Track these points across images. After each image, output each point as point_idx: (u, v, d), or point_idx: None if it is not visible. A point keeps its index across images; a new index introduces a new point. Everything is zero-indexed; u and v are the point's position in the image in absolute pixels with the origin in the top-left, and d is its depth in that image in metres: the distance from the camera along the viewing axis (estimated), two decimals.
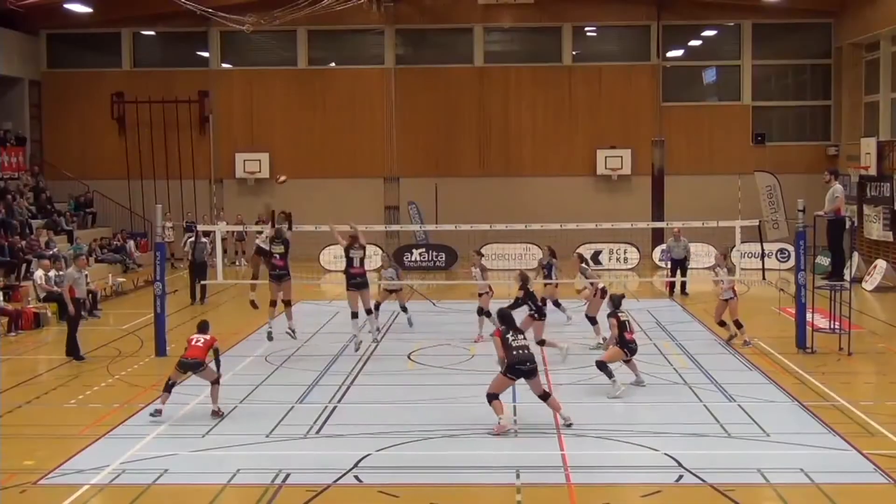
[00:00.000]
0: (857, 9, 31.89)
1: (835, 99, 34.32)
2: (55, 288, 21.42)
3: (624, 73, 34.80)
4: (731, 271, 18.96)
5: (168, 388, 13.47)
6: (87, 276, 22.22)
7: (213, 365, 13.74)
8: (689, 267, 26.02)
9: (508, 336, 12.67)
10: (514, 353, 12.54)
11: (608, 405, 14.07)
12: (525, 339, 12.85)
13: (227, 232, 30.95)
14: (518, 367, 12.50)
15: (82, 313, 19.54)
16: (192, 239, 24.52)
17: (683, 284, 25.27)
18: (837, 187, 18.28)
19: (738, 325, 18.25)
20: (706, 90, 36.27)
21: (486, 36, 35.22)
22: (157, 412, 13.28)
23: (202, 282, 24.13)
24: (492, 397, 12.59)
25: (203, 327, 13.95)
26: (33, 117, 34.86)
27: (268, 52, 35.82)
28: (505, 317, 13.04)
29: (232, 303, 25.25)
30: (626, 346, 14.82)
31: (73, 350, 17.47)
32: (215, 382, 13.60)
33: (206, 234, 25.15)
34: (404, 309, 20.16)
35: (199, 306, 23.95)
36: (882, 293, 25.32)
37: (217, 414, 13.43)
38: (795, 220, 18.34)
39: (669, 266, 26.04)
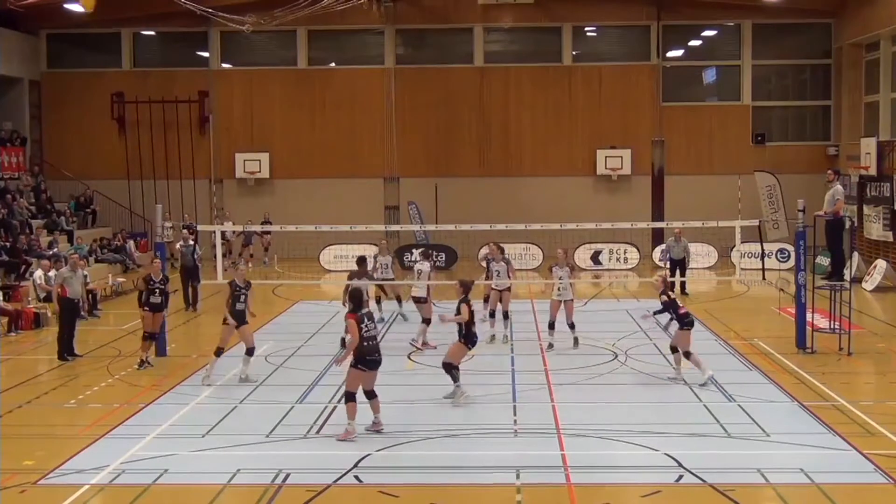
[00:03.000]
0: (857, 9, 31.88)
1: (835, 99, 34.31)
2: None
3: (624, 73, 34.79)
4: (573, 271, 18.58)
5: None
6: (86, 275, 22.25)
7: None
8: (688, 267, 26.03)
9: (363, 325, 12.27)
10: (366, 343, 12.27)
11: (608, 405, 14.06)
12: (376, 328, 12.57)
13: (234, 233, 30.96)
14: (369, 357, 12.32)
15: (82, 314, 19.55)
16: (181, 243, 23.47)
17: (683, 284, 25.28)
18: (838, 188, 18.33)
19: (551, 327, 17.90)
20: (706, 90, 36.26)
21: (486, 36, 35.21)
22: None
23: (194, 285, 23.16)
24: (350, 397, 12.34)
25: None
26: (33, 117, 34.85)
27: (268, 52, 35.81)
28: (360, 299, 12.46)
29: None
30: (684, 322, 15.04)
31: (66, 350, 17.40)
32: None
33: (194, 235, 24.32)
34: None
35: (190, 312, 22.91)
36: (882, 293, 25.31)
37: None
38: (795, 220, 18.34)
39: (668, 266, 26.06)
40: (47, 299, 21.59)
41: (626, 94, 34.52)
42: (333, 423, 13.10)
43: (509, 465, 11.18)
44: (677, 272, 25.23)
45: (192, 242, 23.60)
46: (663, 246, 28.50)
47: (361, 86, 34.93)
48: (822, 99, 34.96)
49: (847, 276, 19.92)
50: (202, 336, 20.19)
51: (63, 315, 17.56)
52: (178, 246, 23.45)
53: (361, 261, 19.44)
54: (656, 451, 11.64)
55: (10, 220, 27.50)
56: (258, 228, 31.74)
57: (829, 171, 19.43)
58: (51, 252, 25.68)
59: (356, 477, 10.82)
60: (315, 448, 12.14)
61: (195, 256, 23.53)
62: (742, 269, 21.29)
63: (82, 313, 21.85)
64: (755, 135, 34.60)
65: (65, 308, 17.57)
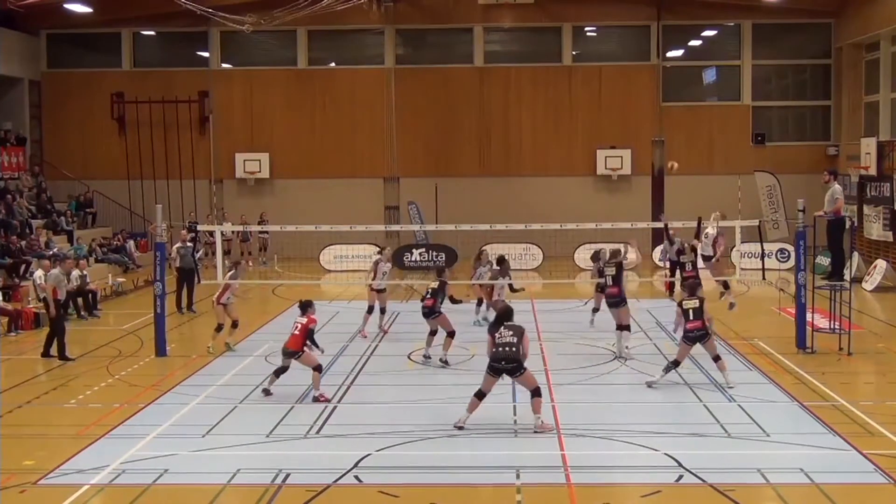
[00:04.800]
0: (857, 9, 31.89)
1: (835, 99, 34.32)
2: None
3: (624, 73, 34.80)
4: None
5: (277, 372, 14.30)
6: (85, 275, 22.24)
7: (314, 351, 14.31)
8: None
9: (498, 333, 12.74)
10: (496, 349, 12.61)
11: (608, 405, 14.06)
12: (512, 335, 12.63)
13: (232, 233, 30.94)
14: (493, 363, 12.60)
15: (69, 312, 19.50)
16: (179, 245, 22.82)
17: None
18: (836, 188, 18.34)
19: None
20: (706, 90, 36.25)
21: (486, 36, 35.21)
22: (266, 391, 14.35)
23: (191, 287, 22.75)
24: (477, 393, 12.74)
25: (304, 307, 14.46)
26: (33, 117, 34.87)
27: (268, 52, 35.82)
28: (501, 313, 13.17)
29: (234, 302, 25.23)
30: (686, 336, 14.89)
31: (59, 351, 17.35)
32: (316, 369, 14.12)
33: (193, 239, 23.99)
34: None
35: (187, 315, 22.56)
36: (882, 293, 25.31)
37: (319, 399, 13.97)
38: (795, 220, 18.34)
39: (668, 266, 26.02)
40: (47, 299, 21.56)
41: (626, 94, 34.52)
42: (333, 423, 13.11)
43: (509, 465, 11.18)
44: (677, 272, 25.16)
45: (190, 244, 23.43)
46: (662, 246, 28.49)
47: (361, 86, 34.93)
48: (822, 99, 34.97)
49: (847, 276, 19.92)
50: (201, 336, 20.18)
51: (57, 317, 17.54)
52: (175, 248, 22.58)
53: (501, 260, 19.88)
54: (656, 451, 11.64)
55: (10, 220, 27.51)
56: (256, 228, 31.83)
57: (826, 173, 19.44)
58: (50, 252, 25.67)
59: (356, 477, 10.82)
60: (315, 448, 12.14)
61: (195, 257, 23.31)
62: (742, 269, 21.28)
63: (82, 314, 21.99)
64: (755, 135, 34.61)
65: (56, 309, 17.56)
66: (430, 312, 17.07)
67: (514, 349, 12.52)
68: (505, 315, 13.05)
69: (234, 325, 18.43)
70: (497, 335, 12.68)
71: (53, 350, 17.46)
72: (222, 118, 35.15)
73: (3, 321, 20.36)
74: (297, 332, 14.20)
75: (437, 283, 17.48)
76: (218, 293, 18.32)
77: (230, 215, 33.35)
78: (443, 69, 35.09)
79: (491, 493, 10.55)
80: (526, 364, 12.67)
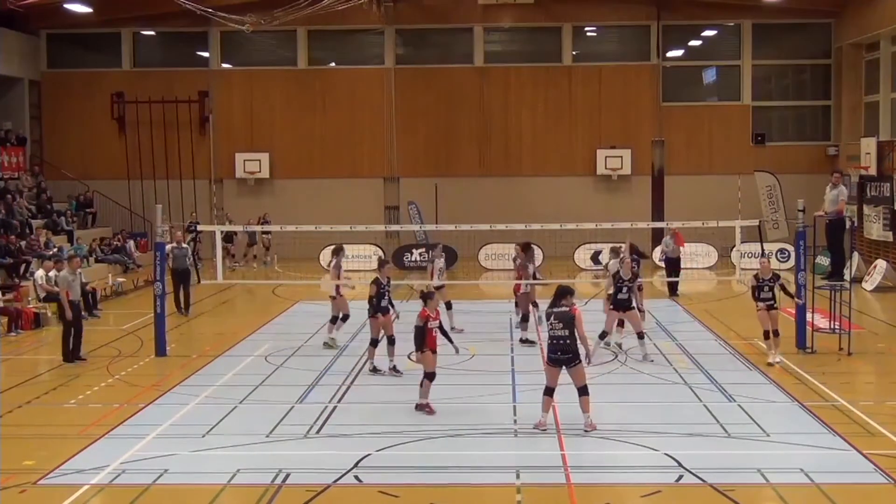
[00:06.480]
0: (857, 9, 31.89)
1: (835, 99, 34.29)
2: (55, 288, 21.25)
3: (624, 73, 34.78)
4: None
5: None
6: (80, 276, 22.19)
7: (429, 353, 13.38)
8: (681, 266, 25.92)
9: (549, 322, 12.56)
10: (550, 341, 12.55)
11: (608, 405, 14.03)
12: (562, 327, 12.36)
13: (235, 234, 30.89)
14: (550, 354, 12.55)
15: (83, 314, 19.48)
16: (173, 245, 22.30)
17: (676, 285, 25.13)
18: (843, 189, 18.42)
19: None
20: (706, 90, 36.24)
21: (486, 36, 35.19)
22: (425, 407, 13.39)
23: (187, 289, 22.62)
24: (545, 391, 12.63)
25: (422, 298, 13.80)
26: (33, 117, 34.84)
27: (268, 52, 35.79)
28: (557, 292, 12.60)
29: (234, 302, 25.28)
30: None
31: (73, 353, 17.27)
32: (426, 376, 13.38)
33: (194, 239, 23.71)
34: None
35: (184, 315, 22.37)
36: (882, 293, 25.31)
37: (423, 408, 13.28)
38: (795, 220, 18.35)
39: (665, 265, 26.02)
40: (47, 299, 21.57)
41: (626, 94, 34.50)
42: (333, 423, 13.11)
43: (509, 465, 11.19)
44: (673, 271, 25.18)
45: (185, 245, 23.20)
46: (661, 246, 28.52)
47: (361, 86, 34.91)
48: (822, 99, 34.94)
49: (847, 276, 19.92)
50: (201, 336, 20.20)
51: (71, 318, 17.46)
52: (168, 248, 21.83)
53: (527, 247, 19.37)
54: (656, 451, 11.64)
55: (10, 220, 27.50)
56: (258, 228, 31.81)
57: (838, 174, 19.49)
58: (50, 252, 25.65)
59: (356, 477, 10.81)
60: (315, 448, 12.14)
61: (194, 257, 23.10)
62: (742, 269, 21.28)
63: (83, 313, 21.97)
64: (755, 135, 34.60)
65: (73, 311, 17.46)
66: (371, 313, 16.06)
67: (566, 341, 12.39)
68: (559, 295, 12.54)
69: (345, 318, 18.20)
70: (549, 326, 12.54)
71: (84, 353, 17.39)
72: (222, 118, 35.14)
73: (3, 321, 20.35)
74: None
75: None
76: (334, 283, 18.22)
77: (234, 217, 33.18)
78: (443, 69, 35.08)
79: (491, 493, 10.54)
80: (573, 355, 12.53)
